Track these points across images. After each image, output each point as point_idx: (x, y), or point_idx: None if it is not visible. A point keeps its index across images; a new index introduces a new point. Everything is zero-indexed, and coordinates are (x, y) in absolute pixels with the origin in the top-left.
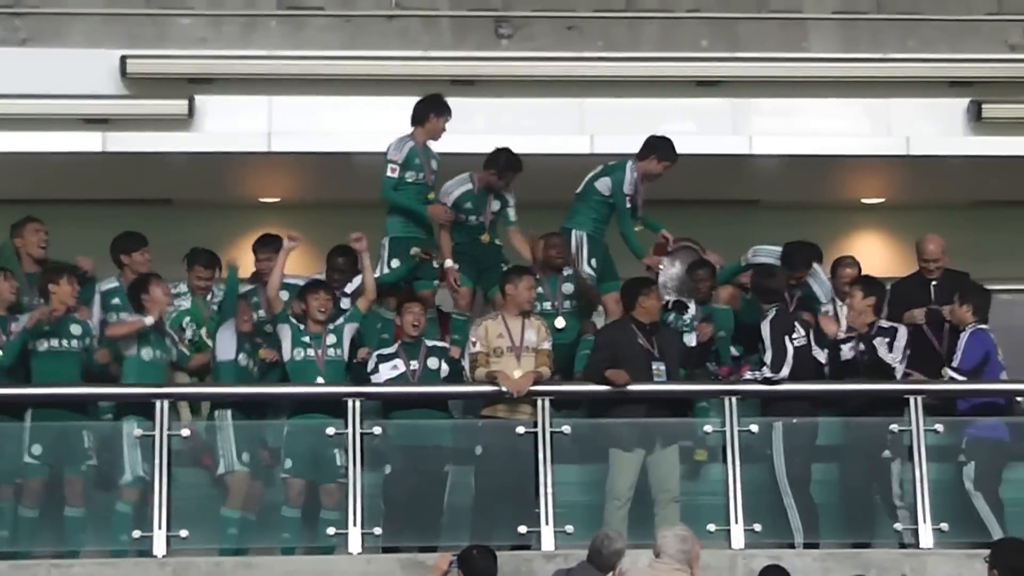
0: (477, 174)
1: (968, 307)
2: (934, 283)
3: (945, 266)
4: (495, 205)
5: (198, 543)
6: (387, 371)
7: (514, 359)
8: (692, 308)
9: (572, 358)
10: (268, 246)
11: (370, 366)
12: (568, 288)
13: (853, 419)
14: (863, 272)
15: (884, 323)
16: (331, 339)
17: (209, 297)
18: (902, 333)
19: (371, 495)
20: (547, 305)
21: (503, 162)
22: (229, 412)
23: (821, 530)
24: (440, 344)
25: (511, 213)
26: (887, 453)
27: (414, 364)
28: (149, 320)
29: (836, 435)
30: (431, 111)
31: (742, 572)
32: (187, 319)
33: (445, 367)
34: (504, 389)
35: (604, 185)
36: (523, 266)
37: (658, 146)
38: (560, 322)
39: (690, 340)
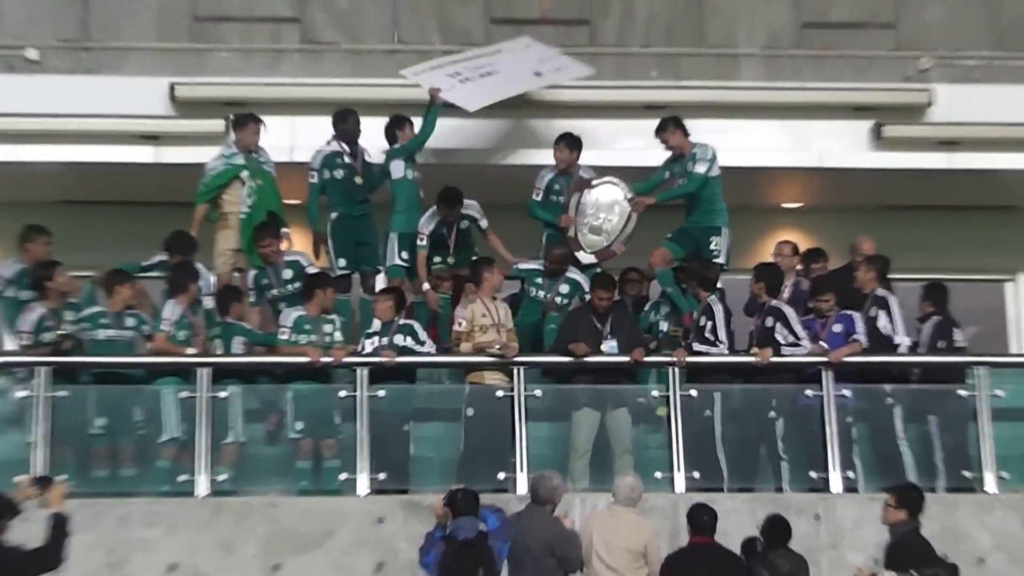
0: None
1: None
2: None
3: None
4: (463, 224)
5: (234, 485)
6: (368, 346)
7: (495, 333)
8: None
9: (541, 334)
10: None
11: (338, 336)
12: (564, 288)
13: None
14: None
15: (773, 303)
16: None
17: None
18: (791, 314)
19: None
20: (542, 295)
21: (440, 198)
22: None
23: (752, 477)
24: (409, 323)
25: (482, 223)
26: (772, 414)
27: (384, 340)
28: (191, 350)
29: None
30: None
31: (683, 512)
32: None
33: (410, 341)
34: (498, 349)
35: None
36: (490, 259)
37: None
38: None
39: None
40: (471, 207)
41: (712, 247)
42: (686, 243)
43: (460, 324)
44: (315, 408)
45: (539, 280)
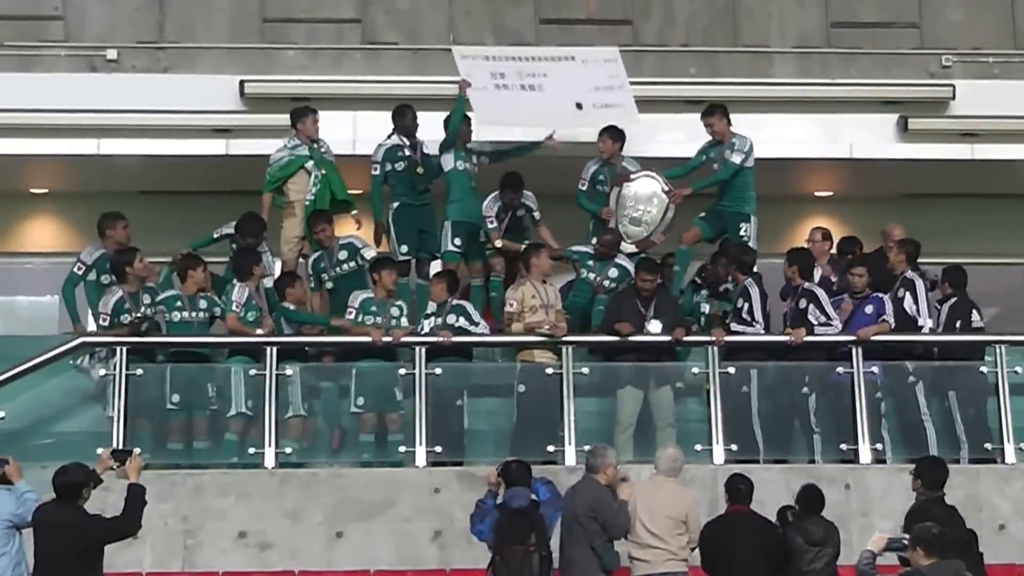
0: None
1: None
2: None
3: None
4: (520, 212)
5: (300, 458)
6: (426, 326)
7: (543, 313)
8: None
9: (589, 314)
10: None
11: (404, 322)
12: (613, 272)
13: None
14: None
15: (806, 285)
16: None
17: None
18: (823, 296)
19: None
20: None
21: (504, 182)
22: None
23: (787, 449)
24: (461, 303)
25: (536, 214)
26: (805, 390)
27: (439, 320)
28: (259, 331)
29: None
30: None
31: (722, 482)
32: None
33: (463, 321)
34: (547, 329)
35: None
36: (540, 244)
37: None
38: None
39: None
40: (528, 197)
41: (742, 233)
42: (716, 224)
43: (511, 305)
44: (376, 385)
45: (590, 262)
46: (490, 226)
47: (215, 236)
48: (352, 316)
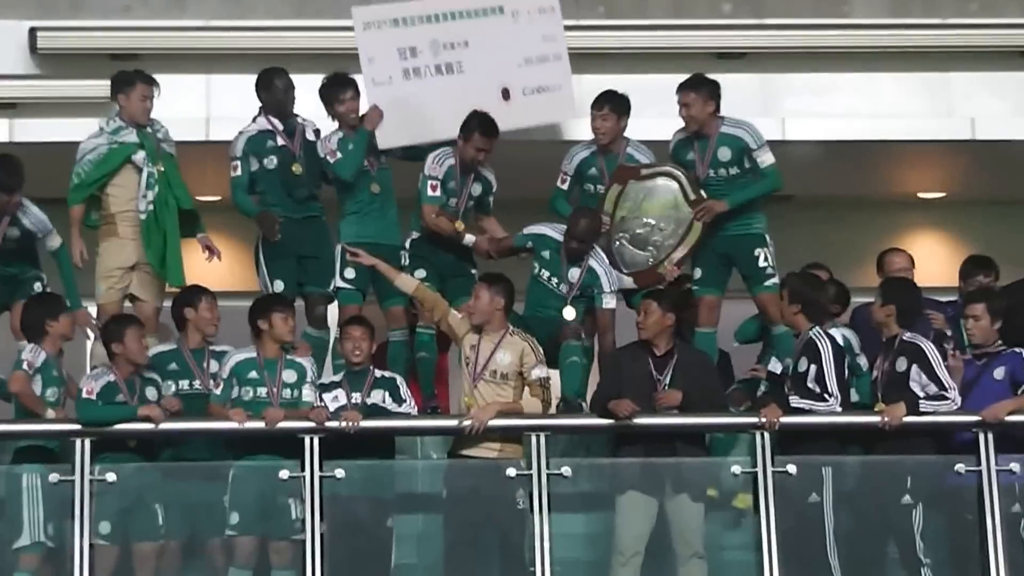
0: (459, 148)
1: None
2: None
3: None
4: (476, 188)
5: None
6: (328, 403)
7: (468, 383)
8: None
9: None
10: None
11: (307, 394)
12: (574, 274)
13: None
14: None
15: (907, 336)
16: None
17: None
18: (933, 352)
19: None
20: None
21: (467, 123)
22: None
23: None
24: (392, 376)
25: (491, 198)
26: (907, 499)
27: (356, 397)
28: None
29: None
30: None
31: None
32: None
33: (391, 402)
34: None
35: None
36: (492, 275)
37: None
38: (569, 312)
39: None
40: (488, 169)
41: (761, 263)
42: (721, 271)
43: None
44: (258, 494)
45: (546, 254)
46: (429, 194)
47: None
48: (220, 391)
